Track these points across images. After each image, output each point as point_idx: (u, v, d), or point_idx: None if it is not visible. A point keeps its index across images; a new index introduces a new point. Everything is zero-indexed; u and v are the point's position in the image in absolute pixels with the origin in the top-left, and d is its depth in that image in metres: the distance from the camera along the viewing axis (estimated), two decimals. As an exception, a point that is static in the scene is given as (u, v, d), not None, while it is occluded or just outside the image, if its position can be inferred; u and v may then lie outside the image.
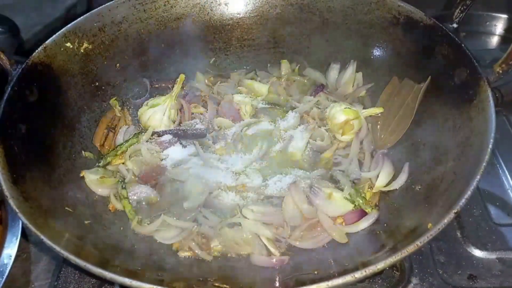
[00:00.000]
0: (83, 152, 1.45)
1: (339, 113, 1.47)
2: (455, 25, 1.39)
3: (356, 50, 1.63)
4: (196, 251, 1.24)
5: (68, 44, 1.45)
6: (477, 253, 1.33)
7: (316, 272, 1.14)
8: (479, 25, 2.19)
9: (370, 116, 1.52)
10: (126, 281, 0.93)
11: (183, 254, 1.25)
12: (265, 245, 1.24)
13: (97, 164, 1.44)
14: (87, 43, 1.50)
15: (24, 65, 1.31)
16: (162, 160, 1.45)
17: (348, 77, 1.63)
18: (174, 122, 1.56)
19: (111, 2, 1.55)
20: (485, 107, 1.17)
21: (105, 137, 1.53)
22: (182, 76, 1.58)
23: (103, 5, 1.54)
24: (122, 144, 1.48)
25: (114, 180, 1.40)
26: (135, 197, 1.36)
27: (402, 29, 1.49)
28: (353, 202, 1.29)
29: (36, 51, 1.37)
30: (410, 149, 1.39)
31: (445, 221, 0.98)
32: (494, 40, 2.19)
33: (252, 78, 1.71)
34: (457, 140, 1.23)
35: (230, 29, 1.72)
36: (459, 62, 1.30)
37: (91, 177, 1.37)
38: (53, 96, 1.40)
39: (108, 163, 1.45)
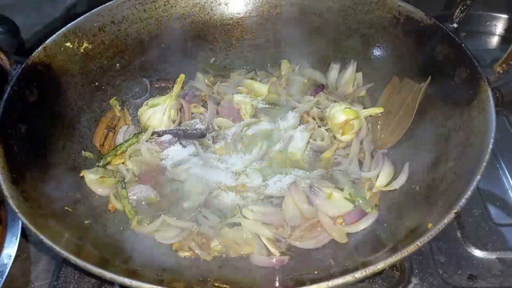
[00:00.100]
0: (83, 152, 1.45)
1: (339, 113, 1.47)
2: (455, 25, 1.39)
3: (356, 50, 1.63)
4: (196, 251, 1.24)
5: (68, 44, 1.45)
6: (477, 253, 1.33)
7: (316, 272, 1.14)
8: (479, 25, 2.19)
9: (370, 116, 1.51)
10: (126, 281, 0.92)
11: (183, 254, 1.25)
12: (265, 245, 1.24)
13: (97, 164, 1.44)
14: (87, 43, 1.50)
15: (24, 65, 1.31)
16: (162, 160, 1.45)
17: (348, 77, 1.63)
18: (174, 122, 1.56)
19: (111, 2, 1.54)
20: (485, 107, 1.17)
21: (105, 137, 1.53)
22: (182, 76, 1.58)
23: (103, 5, 1.53)
24: (122, 144, 1.48)
25: (114, 180, 1.39)
26: (135, 197, 1.36)
27: (402, 29, 1.49)
28: (353, 202, 1.29)
29: (36, 51, 1.37)
30: (410, 149, 1.39)
31: (445, 221, 0.98)
32: (494, 40, 2.19)
33: (252, 78, 1.71)
34: (457, 140, 1.23)
35: (230, 29, 1.72)
36: (459, 62, 1.30)
37: (91, 177, 1.37)
38: (53, 96, 1.40)
39: (108, 163, 1.45)
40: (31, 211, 1.09)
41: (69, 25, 1.47)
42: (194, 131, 1.52)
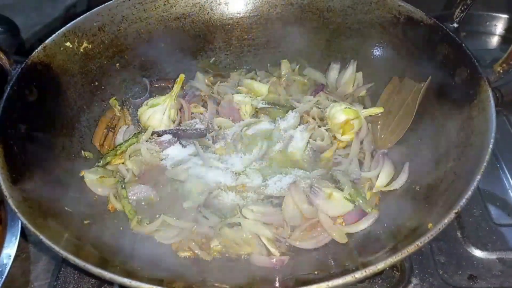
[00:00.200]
0: (82, 151, 1.45)
1: (339, 113, 1.47)
2: (455, 25, 1.39)
3: (356, 49, 1.63)
4: (196, 251, 1.24)
5: (68, 44, 1.45)
6: (478, 253, 1.33)
7: (316, 272, 1.13)
8: (479, 25, 2.18)
9: (370, 116, 1.51)
10: (126, 281, 0.92)
11: (182, 254, 1.25)
12: (265, 245, 1.24)
13: (96, 164, 1.44)
14: (86, 42, 1.50)
15: (23, 65, 1.31)
16: (161, 160, 1.45)
17: (348, 77, 1.63)
18: (174, 122, 1.56)
19: (111, 1, 1.54)
20: (485, 107, 1.16)
21: (104, 137, 1.53)
22: (182, 76, 1.58)
23: (103, 5, 1.53)
24: (121, 144, 1.47)
25: (114, 180, 1.39)
26: (134, 197, 1.36)
27: (402, 28, 1.49)
28: (353, 202, 1.29)
29: (36, 50, 1.37)
30: (411, 149, 1.39)
31: (446, 221, 0.97)
32: (494, 40, 2.19)
33: (252, 78, 1.70)
34: (458, 140, 1.23)
35: (230, 29, 1.72)
36: (459, 62, 1.30)
37: (90, 177, 1.37)
38: (52, 96, 1.40)
39: (108, 163, 1.45)
40: (31, 211, 1.09)
41: (68, 25, 1.47)
42: (194, 131, 1.52)
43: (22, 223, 1.08)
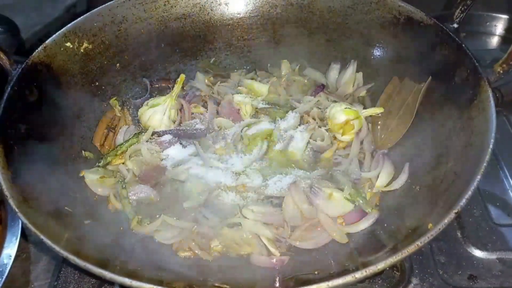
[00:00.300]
0: (83, 152, 1.45)
1: (339, 113, 1.47)
2: (455, 25, 1.39)
3: (356, 50, 1.63)
4: (196, 251, 1.24)
5: (68, 44, 1.45)
6: (478, 253, 1.33)
7: (316, 272, 1.14)
8: (479, 25, 2.19)
9: (370, 116, 1.51)
10: (126, 281, 0.92)
11: (183, 254, 1.25)
12: (265, 245, 1.24)
13: (97, 164, 1.44)
14: (87, 42, 1.50)
15: (24, 65, 1.31)
16: (162, 160, 1.45)
17: (348, 77, 1.63)
18: (174, 122, 1.56)
19: (111, 1, 1.54)
20: (485, 107, 1.17)
21: (105, 137, 1.53)
22: (182, 76, 1.58)
23: (103, 5, 1.53)
24: (122, 144, 1.48)
25: (114, 180, 1.39)
26: (135, 197, 1.36)
27: (403, 29, 1.49)
28: (353, 202, 1.29)
29: (36, 50, 1.37)
30: (411, 149, 1.39)
31: (446, 221, 0.97)
32: (494, 41, 2.19)
33: (252, 78, 1.71)
34: (458, 140, 1.23)
35: (230, 29, 1.72)
36: (459, 62, 1.30)
37: (91, 177, 1.37)
38: (53, 96, 1.39)
39: (108, 163, 1.45)
40: (31, 211, 1.09)
41: (69, 25, 1.47)
42: (194, 131, 1.52)
43: (22, 223, 1.08)
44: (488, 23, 2.19)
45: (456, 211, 0.99)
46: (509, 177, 1.53)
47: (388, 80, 1.54)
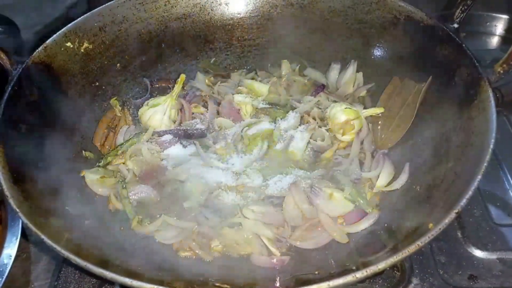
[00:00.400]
0: (83, 152, 1.45)
1: (340, 113, 1.47)
2: (455, 25, 1.39)
3: (356, 50, 1.63)
4: (197, 251, 1.24)
5: (69, 44, 1.45)
6: (478, 253, 1.33)
7: (317, 272, 1.14)
8: (479, 25, 2.19)
9: (370, 116, 1.51)
10: (127, 281, 0.92)
11: (183, 254, 1.25)
12: (265, 245, 1.24)
13: (97, 164, 1.44)
14: (87, 42, 1.50)
15: (24, 65, 1.31)
16: (162, 160, 1.45)
17: (348, 77, 1.63)
18: (174, 122, 1.56)
19: (112, 1, 1.54)
20: (486, 107, 1.17)
21: (105, 137, 1.53)
22: (182, 76, 1.58)
23: (104, 5, 1.53)
24: (122, 144, 1.48)
25: (115, 180, 1.39)
26: (135, 197, 1.36)
27: (403, 29, 1.49)
28: (353, 202, 1.29)
29: (37, 50, 1.37)
30: (411, 149, 1.39)
31: (446, 221, 0.98)
32: (495, 41, 2.19)
33: (252, 78, 1.71)
34: (458, 140, 1.23)
35: (231, 29, 1.72)
36: (460, 62, 1.30)
37: (91, 177, 1.37)
38: (53, 96, 1.40)
39: (109, 163, 1.45)
40: (32, 211, 1.09)
41: (69, 25, 1.47)
42: (195, 131, 1.52)
43: (23, 223, 1.08)
44: (488, 23, 2.19)
45: (456, 211, 0.99)
46: (509, 177, 1.53)
47: (389, 80, 1.54)
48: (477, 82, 1.21)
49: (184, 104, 1.60)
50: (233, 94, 1.61)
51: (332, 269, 1.15)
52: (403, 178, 1.34)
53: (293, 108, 1.57)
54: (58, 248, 0.98)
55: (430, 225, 1.02)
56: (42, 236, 1.00)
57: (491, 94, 1.17)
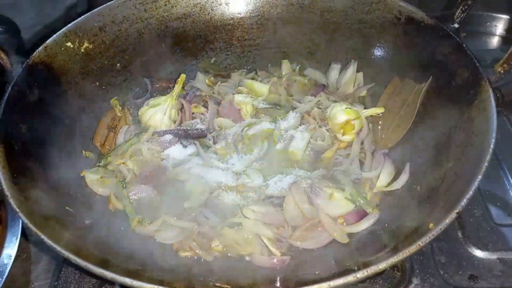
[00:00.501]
0: (83, 151, 1.45)
1: (340, 113, 1.47)
2: (456, 25, 1.40)
3: (357, 50, 1.63)
4: (197, 251, 1.24)
5: (69, 44, 1.45)
6: (478, 253, 1.33)
7: (317, 272, 1.13)
8: (479, 25, 2.19)
9: (371, 116, 1.51)
10: (127, 281, 0.92)
11: (183, 254, 1.25)
12: (266, 245, 1.24)
13: (97, 163, 1.44)
14: (87, 42, 1.50)
15: (24, 65, 1.31)
16: (162, 160, 1.45)
17: (349, 77, 1.63)
18: (174, 122, 1.56)
19: (112, 1, 1.54)
20: (486, 107, 1.17)
21: (105, 137, 1.53)
22: (182, 76, 1.58)
23: (104, 5, 1.53)
24: (122, 144, 1.48)
25: (115, 180, 1.39)
26: (135, 197, 1.36)
27: (403, 29, 1.49)
28: (354, 202, 1.29)
29: (37, 50, 1.37)
30: (411, 149, 1.39)
31: (447, 221, 0.97)
32: (495, 41, 2.19)
33: (252, 78, 1.71)
34: (458, 140, 1.23)
35: (231, 29, 1.72)
36: (460, 62, 1.30)
37: (91, 177, 1.37)
38: (53, 96, 1.40)
39: (109, 163, 1.44)
40: (32, 211, 1.08)
41: (69, 24, 1.47)
42: (195, 131, 1.52)
43: (23, 223, 1.08)
44: (488, 23, 2.19)
45: (457, 211, 0.99)
46: (509, 177, 1.53)
47: (389, 80, 1.54)
48: (478, 82, 1.21)
49: (184, 104, 1.59)
50: (233, 94, 1.61)
51: (332, 269, 1.15)
52: (403, 178, 1.34)
53: (293, 108, 1.57)
54: (58, 248, 0.98)
55: (431, 225, 1.01)
56: (42, 236, 1.00)
57: (491, 94, 1.17)
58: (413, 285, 1.26)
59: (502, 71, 1.21)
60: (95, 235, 1.20)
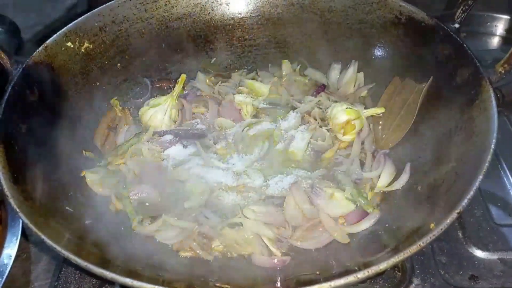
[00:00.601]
0: (83, 151, 1.44)
1: (341, 113, 1.47)
2: (456, 25, 1.39)
3: (357, 50, 1.63)
4: (197, 251, 1.24)
5: (69, 44, 1.45)
6: (479, 253, 1.33)
7: (317, 273, 1.13)
8: (480, 25, 2.19)
9: (371, 116, 1.51)
10: (127, 281, 0.92)
11: (184, 254, 1.25)
12: (266, 245, 1.24)
13: (98, 163, 1.44)
14: (88, 42, 1.50)
15: (24, 65, 1.31)
16: (163, 160, 1.45)
17: (349, 77, 1.63)
18: (175, 122, 1.56)
19: (112, 1, 1.54)
20: (487, 107, 1.16)
21: (106, 137, 1.53)
22: (183, 76, 1.58)
23: (104, 5, 1.53)
24: (123, 144, 1.47)
25: (115, 180, 1.39)
26: (136, 197, 1.35)
27: (404, 29, 1.49)
28: (354, 202, 1.29)
29: (37, 50, 1.37)
30: (412, 149, 1.39)
31: (448, 221, 0.97)
32: (495, 41, 2.19)
33: (253, 78, 1.70)
34: (459, 140, 1.23)
35: (231, 29, 1.72)
36: (461, 62, 1.30)
37: (92, 177, 1.37)
38: (53, 96, 1.39)
39: (109, 163, 1.44)
40: (32, 211, 1.08)
41: (70, 25, 1.47)
42: (195, 131, 1.52)
43: (23, 223, 1.08)
44: (488, 24, 2.19)
45: (458, 211, 0.99)
46: (510, 177, 1.53)
47: (389, 80, 1.54)
48: (478, 82, 1.21)
49: (185, 104, 1.59)
50: (233, 94, 1.61)
51: (333, 269, 1.15)
52: (404, 178, 1.34)
53: (293, 108, 1.57)
54: (58, 248, 0.98)
55: (432, 225, 1.01)
56: (42, 236, 1.00)
57: (492, 94, 1.17)
58: (413, 285, 1.26)
59: (502, 71, 1.21)
60: (95, 235, 1.20)
